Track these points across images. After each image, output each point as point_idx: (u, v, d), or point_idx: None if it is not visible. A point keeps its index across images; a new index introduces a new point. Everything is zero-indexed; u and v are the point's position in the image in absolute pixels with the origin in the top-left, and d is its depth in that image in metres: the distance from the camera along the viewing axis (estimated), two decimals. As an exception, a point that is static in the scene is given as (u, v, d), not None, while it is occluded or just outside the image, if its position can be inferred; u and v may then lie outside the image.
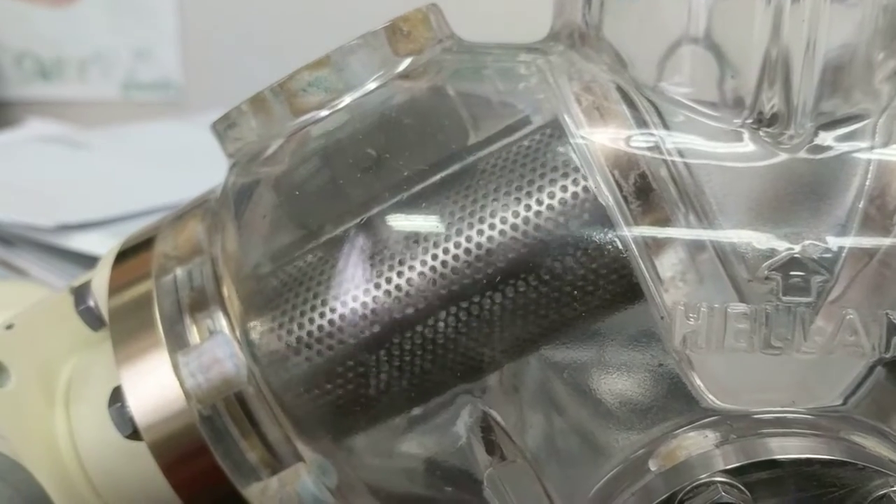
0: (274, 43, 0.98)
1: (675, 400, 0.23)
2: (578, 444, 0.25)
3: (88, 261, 0.48)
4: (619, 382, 0.24)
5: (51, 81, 1.10)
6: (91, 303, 0.28)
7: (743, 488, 0.20)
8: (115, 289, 0.27)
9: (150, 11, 1.06)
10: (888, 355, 0.22)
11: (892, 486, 0.20)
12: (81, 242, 0.48)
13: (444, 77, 0.26)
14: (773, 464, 0.21)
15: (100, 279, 0.28)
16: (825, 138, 0.23)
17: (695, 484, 0.21)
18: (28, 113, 1.01)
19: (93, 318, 0.29)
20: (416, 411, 0.25)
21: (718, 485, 0.20)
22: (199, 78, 1.06)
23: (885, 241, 0.23)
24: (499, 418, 0.24)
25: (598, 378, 0.24)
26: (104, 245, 0.48)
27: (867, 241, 0.23)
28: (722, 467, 0.21)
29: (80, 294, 0.29)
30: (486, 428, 0.24)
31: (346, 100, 0.26)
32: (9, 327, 0.30)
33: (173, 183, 0.55)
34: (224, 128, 0.27)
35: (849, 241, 0.22)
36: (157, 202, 0.50)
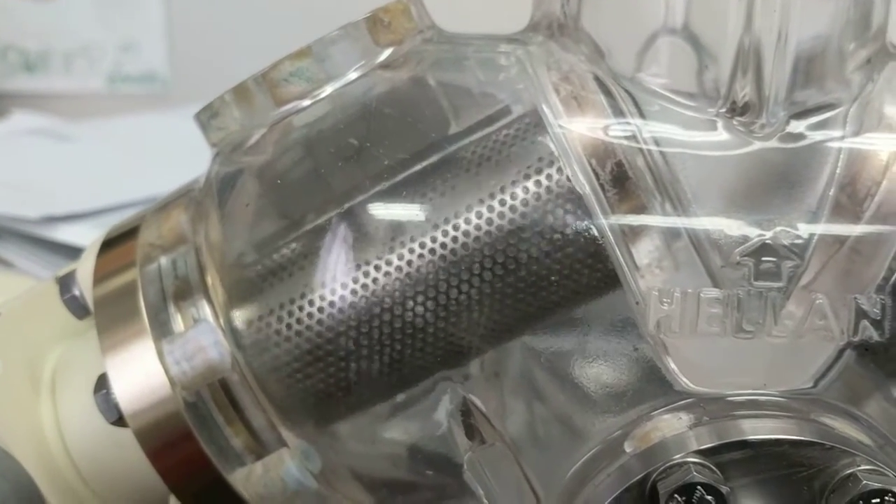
0: (260, 36, 0.98)
1: (650, 384, 0.23)
2: (557, 427, 0.25)
3: (74, 252, 0.48)
4: (596, 367, 0.24)
5: (35, 74, 1.09)
6: (76, 292, 0.29)
7: (714, 468, 0.21)
8: (99, 278, 0.28)
9: (136, 4, 1.06)
10: (856, 339, 0.22)
11: (859, 466, 0.21)
12: (67, 234, 0.48)
13: (424, 67, 0.26)
14: (745, 444, 0.21)
15: (85, 268, 0.29)
16: (797, 126, 0.23)
17: (668, 464, 0.21)
18: (13, 105, 1.01)
19: (78, 307, 0.29)
20: (399, 398, 0.25)
21: (691, 465, 0.21)
22: (185, 71, 1.06)
23: (856, 229, 0.23)
24: (479, 403, 0.25)
25: (577, 363, 0.24)
26: (90, 236, 0.48)
27: (838, 229, 0.23)
28: (695, 448, 0.21)
29: (65, 283, 0.29)
30: (466, 412, 0.25)
31: (328, 90, 0.26)
32: (-5, 316, 0.30)
33: (158, 175, 0.55)
34: (207, 117, 0.27)
35: (819, 229, 0.23)
36: (142, 194, 0.50)
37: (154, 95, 1.08)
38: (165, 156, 0.62)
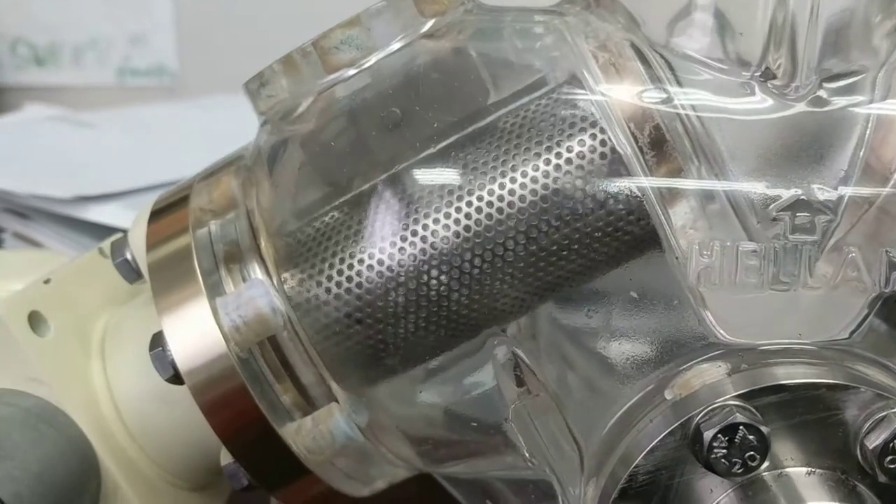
0: (269, 29, 0.99)
1: (687, 338, 0.24)
2: (596, 381, 0.26)
3: (104, 232, 0.49)
4: (632, 331, 0.25)
5: (45, 67, 1.10)
6: (128, 255, 0.30)
7: (754, 411, 0.22)
8: (153, 243, 0.29)
9: (145, -3, 1.07)
10: (888, 290, 0.23)
11: (893, 409, 0.22)
12: (98, 214, 0.49)
13: (465, 37, 0.27)
14: (783, 388, 0.22)
15: (136, 234, 0.30)
16: (827, 91, 0.24)
17: (711, 407, 0.22)
18: (24, 98, 1.02)
19: (129, 271, 0.30)
20: (442, 359, 0.26)
21: (732, 407, 0.22)
22: (194, 63, 1.07)
23: (884, 190, 0.24)
24: (525, 357, 0.26)
25: (611, 326, 0.25)
26: (121, 216, 0.49)
27: (867, 191, 0.24)
28: (735, 393, 0.22)
29: (118, 247, 0.30)
30: (515, 365, 0.26)
31: (373, 59, 0.27)
32: (46, 282, 0.31)
33: (180, 159, 0.56)
34: (257, 86, 0.28)
35: (850, 190, 0.24)
36: (170, 176, 0.51)
37: (163, 88, 1.08)
38: (183, 142, 0.63)
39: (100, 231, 0.50)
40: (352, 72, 0.27)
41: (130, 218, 0.34)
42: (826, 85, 0.24)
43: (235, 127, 0.33)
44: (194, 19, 1.06)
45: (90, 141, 0.63)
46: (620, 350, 0.25)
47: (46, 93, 1.06)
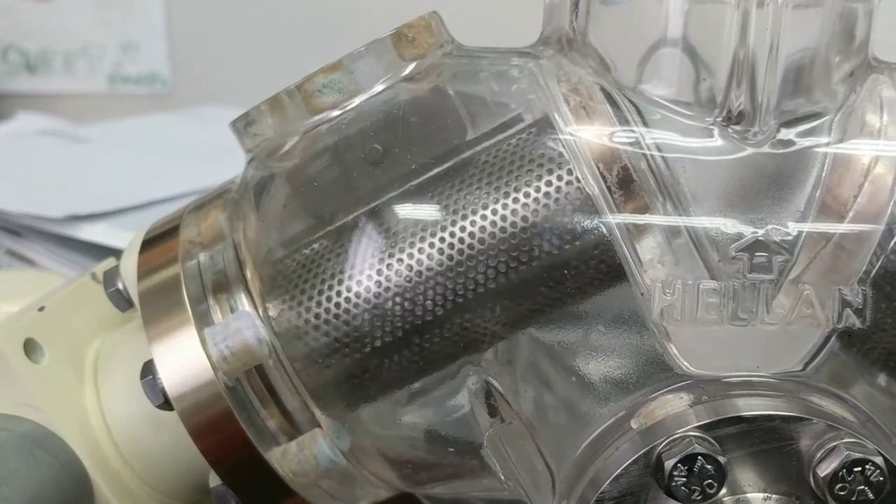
0: (260, 36, 1.00)
1: (653, 369, 0.26)
2: (567, 408, 0.27)
3: (96, 250, 0.50)
4: (602, 355, 0.26)
5: (37, 75, 1.11)
6: (120, 285, 0.31)
7: (713, 441, 0.23)
8: (143, 273, 0.30)
9: (137, 4, 1.07)
10: (840, 326, 0.25)
11: (843, 439, 0.23)
12: (90, 232, 0.50)
13: (444, 79, 0.29)
14: (740, 420, 0.24)
15: (127, 264, 0.31)
16: (787, 134, 0.26)
17: (672, 438, 0.23)
18: (14, 106, 1.02)
19: (121, 300, 0.31)
20: (422, 384, 0.27)
21: (692, 438, 0.23)
22: (185, 71, 1.08)
23: (840, 227, 0.25)
24: (498, 385, 0.27)
25: (583, 351, 0.26)
26: (112, 235, 0.50)
27: (823, 227, 0.25)
28: (695, 423, 0.24)
29: (110, 277, 0.31)
30: (488, 393, 0.27)
31: (356, 101, 0.28)
32: (40, 309, 0.32)
33: (174, 175, 0.57)
34: (243, 125, 0.29)
35: (807, 227, 0.25)
36: (161, 194, 0.53)
37: (155, 95, 1.09)
38: (179, 156, 0.64)
39: (92, 249, 0.51)
40: (335, 113, 0.28)
41: (121, 237, 0.35)
42: (785, 129, 0.26)
43: (228, 141, 0.33)
44: (186, 26, 1.07)
45: (83, 157, 0.64)
46: (597, 370, 0.26)
47: (38, 100, 1.07)
